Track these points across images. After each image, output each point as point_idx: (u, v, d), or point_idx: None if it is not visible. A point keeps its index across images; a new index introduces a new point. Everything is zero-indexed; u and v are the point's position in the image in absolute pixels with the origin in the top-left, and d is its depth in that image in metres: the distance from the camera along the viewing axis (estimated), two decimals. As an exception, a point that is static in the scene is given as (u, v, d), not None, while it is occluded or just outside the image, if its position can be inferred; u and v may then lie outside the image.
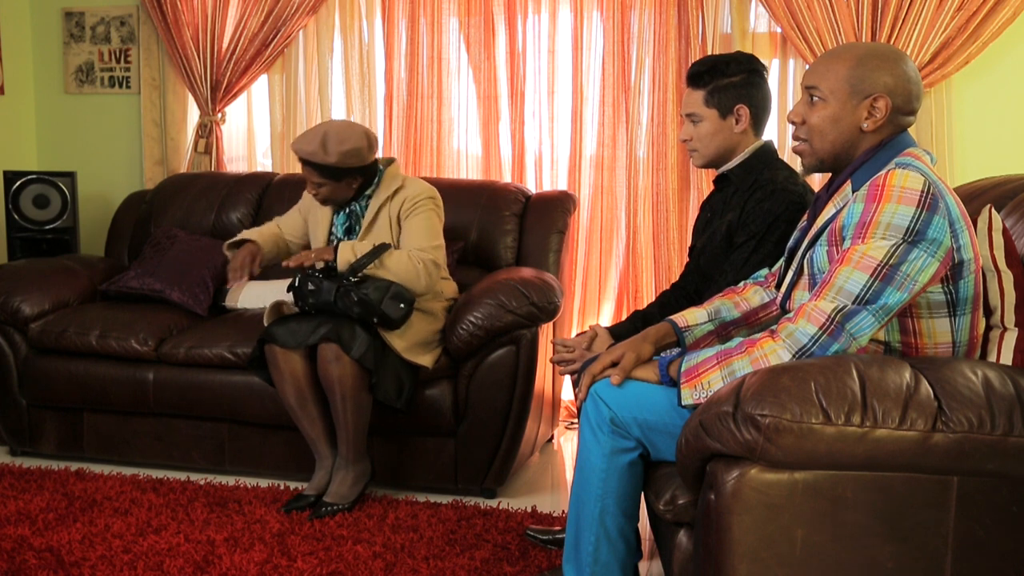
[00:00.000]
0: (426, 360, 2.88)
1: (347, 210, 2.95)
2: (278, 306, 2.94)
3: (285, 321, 2.82)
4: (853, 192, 1.72)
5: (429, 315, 2.94)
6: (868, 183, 1.65)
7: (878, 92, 1.70)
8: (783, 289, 1.87)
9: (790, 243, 1.92)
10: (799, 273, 1.80)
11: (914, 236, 1.57)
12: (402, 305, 2.74)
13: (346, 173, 2.82)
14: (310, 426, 2.84)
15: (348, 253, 2.77)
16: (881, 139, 1.74)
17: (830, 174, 1.83)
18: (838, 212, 1.71)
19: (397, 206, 2.89)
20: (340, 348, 2.70)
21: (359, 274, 2.75)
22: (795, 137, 1.82)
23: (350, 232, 2.95)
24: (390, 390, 2.78)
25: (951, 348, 1.69)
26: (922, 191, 1.59)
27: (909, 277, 1.58)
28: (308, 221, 3.04)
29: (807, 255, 1.77)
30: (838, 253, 1.66)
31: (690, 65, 2.42)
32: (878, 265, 1.57)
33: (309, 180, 2.84)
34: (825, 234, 1.73)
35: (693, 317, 2.01)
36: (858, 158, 1.75)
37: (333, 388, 2.73)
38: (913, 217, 1.57)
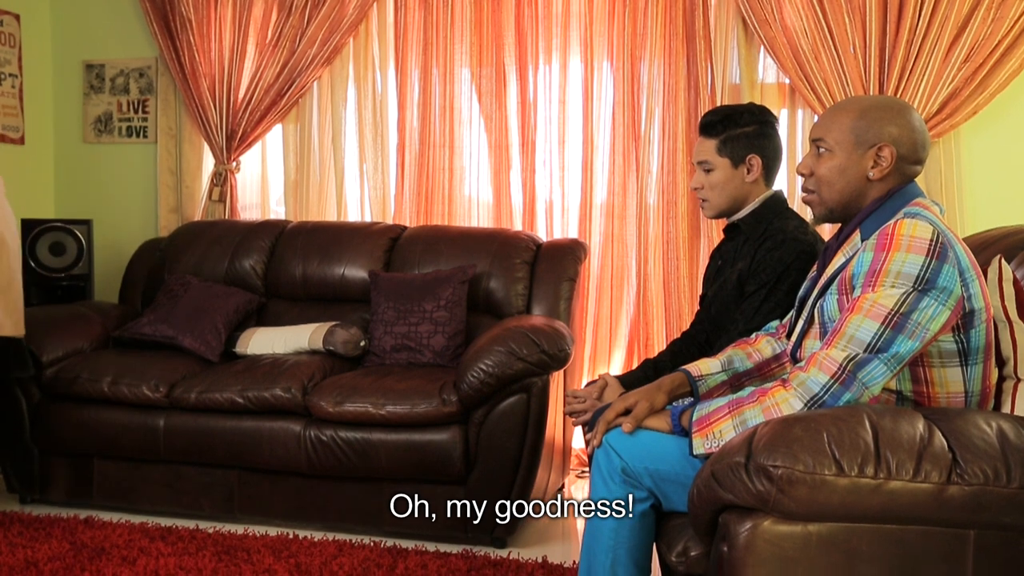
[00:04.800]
0: None
1: None
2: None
3: None
4: (862, 241, 1.73)
5: None
6: (877, 232, 1.66)
7: (883, 141, 1.73)
8: (793, 338, 1.87)
9: (800, 293, 1.93)
10: (809, 322, 1.81)
11: (924, 285, 1.58)
12: None
13: None
14: None
15: None
16: (888, 188, 1.76)
17: (840, 224, 1.85)
18: (848, 261, 1.72)
19: None
20: None
21: None
22: (804, 189, 1.85)
23: None
24: None
25: (964, 398, 1.68)
26: (931, 240, 1.60)
27: (920, 325, 1.58)
28: None
29: (817, 304, 1.78)
30: (848, 302, 1.66)
31: (703, 114, 2.45)
32: (889, 313, 1.58)
33: None
34: (835, 283, 1.73)
35: (707, 367, 2.01)
36: (866, 207, 1.77)
37: None
38: (923, 266, 1.58)
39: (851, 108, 1.78)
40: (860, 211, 1.78)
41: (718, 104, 3.58)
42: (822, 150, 1.79)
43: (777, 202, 2.36)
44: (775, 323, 2.10)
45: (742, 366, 2.01)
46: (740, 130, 2.33)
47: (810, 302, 1.83)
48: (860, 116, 1.75)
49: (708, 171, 2.35)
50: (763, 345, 2.04)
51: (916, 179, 1.79)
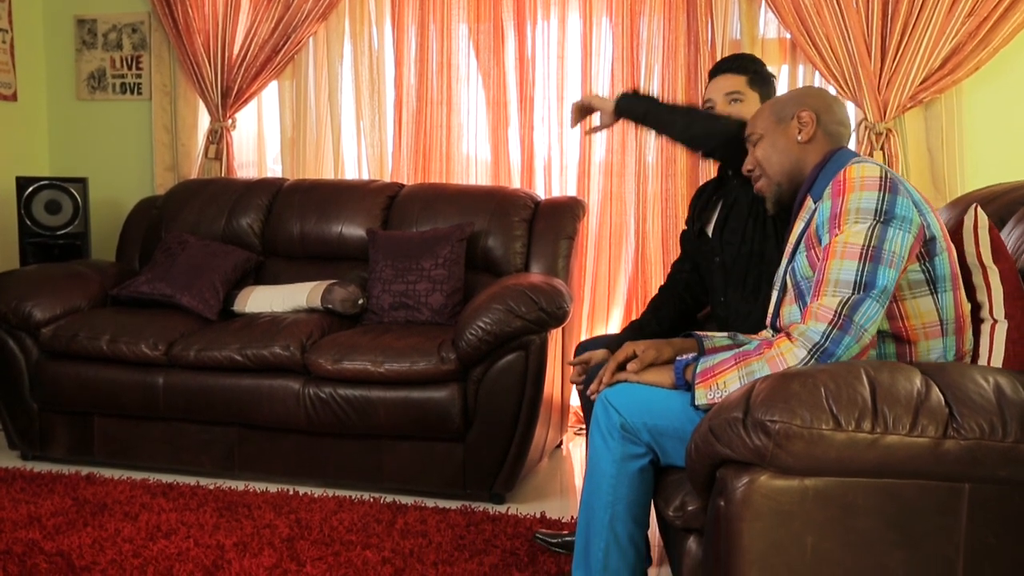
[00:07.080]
0: None
1: None
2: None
3: None
4: (815, 202, 1.81)
5: None
6: (830, 183, 1.74)
7: (799, 109, 1.91)
8: (771, 310, 1.90)
9: (774, 280, 1.97)
10: (784, 290, 1.85)
11: (884, 216, 1.66)
12: None
13: None
14: None
15: None
16: (824, 152, 1.89)
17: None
18: (808, 223, 1.80)
19: None
20: None
21: None
22: (752, 180, 2.01)
23: None
24: None
25: (940, 327, 1.74)
26: (880, 177, 1.69)
27: (895, 255, 1.65)
28: None
29: (788, 268, 1.83)
30: (819, 256, 1.70)
31: (720, 60, 2.52)
32: (862, 249, 1.64)
33: None
34: (803, 242, 1.80)
35: (714, 333, 2.04)
36: (810, 175, 1.88)
37: None
38: (878, 199, 1.67)
39: (768, 103, 2.01)
40: (805, 180, 1.89)
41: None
42: (755, 143, 1.97)
43: None
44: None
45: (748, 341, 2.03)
46: (764, 71, 2.41)
47: (781, 271, 1.88)
48: (775, 103, 1.98)
49: (739, 101, 2.37)
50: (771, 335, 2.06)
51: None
